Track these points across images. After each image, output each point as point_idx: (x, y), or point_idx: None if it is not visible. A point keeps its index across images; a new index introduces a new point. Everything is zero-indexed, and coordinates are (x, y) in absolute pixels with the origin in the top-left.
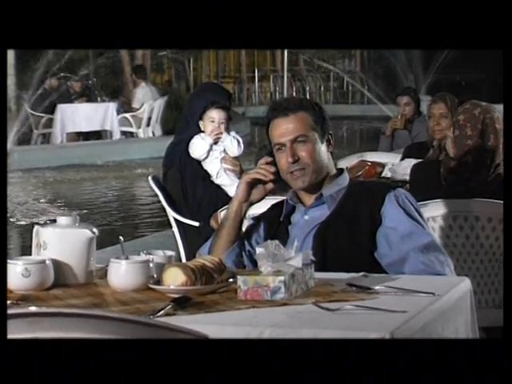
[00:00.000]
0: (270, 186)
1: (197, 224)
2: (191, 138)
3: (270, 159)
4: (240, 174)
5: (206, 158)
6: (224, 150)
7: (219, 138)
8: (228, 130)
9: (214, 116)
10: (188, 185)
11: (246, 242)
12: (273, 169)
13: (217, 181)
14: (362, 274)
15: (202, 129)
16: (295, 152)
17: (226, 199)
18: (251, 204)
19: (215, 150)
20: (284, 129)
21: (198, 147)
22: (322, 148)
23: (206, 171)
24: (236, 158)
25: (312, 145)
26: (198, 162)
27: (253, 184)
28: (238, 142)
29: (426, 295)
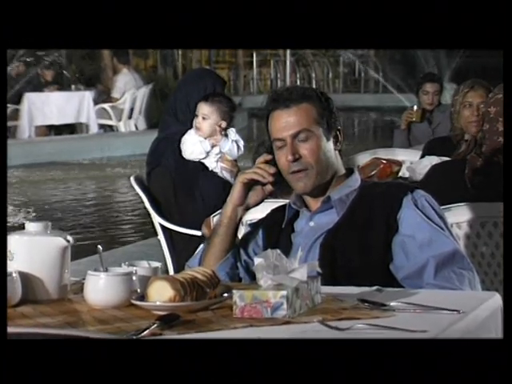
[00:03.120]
0: (269, 187)
1: (187, 231)
2: (181, 134)
3: (269, 157)
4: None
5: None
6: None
7: (216, 142)
8: (229, 127)
9: (206, 112)
10: (182, 184)
11: (242, 252)
12: (272, 169)
13: None
14: (375, 288)
15: (196, 125)
16: (296, 149)
17: None
18: (248, 208)
19: (212, 152)
20: (284, 122)
21: (193, 151)
22: (328, 145)
23: (203, 164)
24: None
25: (316, 141)
26: None
27: (249, 185)
28: (238, 147)
29: (449, 313)
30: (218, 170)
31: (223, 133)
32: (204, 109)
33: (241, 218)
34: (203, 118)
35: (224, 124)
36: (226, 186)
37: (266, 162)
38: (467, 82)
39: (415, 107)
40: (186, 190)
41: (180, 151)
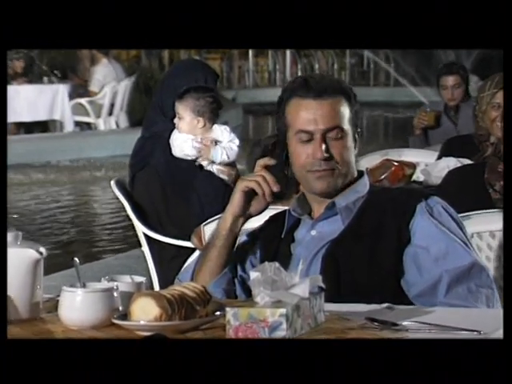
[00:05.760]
0: (271, 198)
1: (175, 242)
2: (169, 131)
3: (271, 162)
4: (236, 179)
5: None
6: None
7: (207, 156)
8: (212, 122)
9: (178, 110)
10: (174, 186)
11: (238, 265)
12: (276, 188)
13: None
14: (385, 305)
15: (176, 126)
16: (327, 146)
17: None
18: (249, 217)
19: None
20: (314, 114)
21: (183, 149)
22: (353, 147)
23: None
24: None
25: (346, 142)
26: None
27: (251, 193)
28: (232, 149)
29: (468, 333)
30: (214, 171)
31: (211, 136)
32: (177, 107)
33: (240, 229)
34: (179, 118)
35: (201, 122)
36: (227, 188)
37: (267, 167)
38: (495, 79)
39: (428, 109)
40: (179, 193)
41: (171, 150)
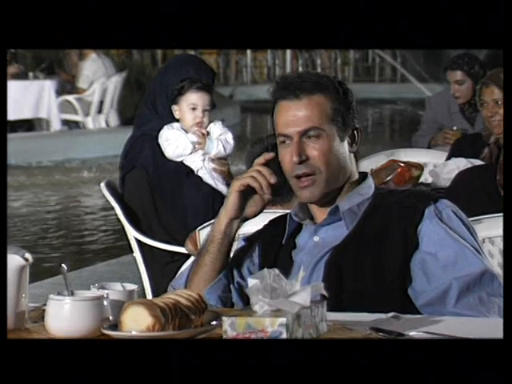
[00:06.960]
0: (269, 196)
1: (168, 247)
2: (159, 130)
3: (270, 156)
4: (228, 177)
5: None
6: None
7: (202, 147)
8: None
9: (196, 101)
10: (162, 190)
11: (235, 271)
12: (273, 179)
13: None
14: (391, 314)
15: (177, 117)
16: (303, 149)
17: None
18: (245, 220)
19: (198, 152)
20: (292, 116)
21: (178, 145)
22: (342, 147)
23: (187, 166)
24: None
25: (327, 142)
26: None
27: (246, 193)
28: (227, 142)
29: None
30: (204, 171)
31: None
32: (192, 96)
33: (235, 233)
34: (192, 108)
35: (202, 116)
36: (216, 195)
37: (267, 163)
38: (485, 77)
39: (454, 127)
40: (166, 198)
41: (161, 150)
